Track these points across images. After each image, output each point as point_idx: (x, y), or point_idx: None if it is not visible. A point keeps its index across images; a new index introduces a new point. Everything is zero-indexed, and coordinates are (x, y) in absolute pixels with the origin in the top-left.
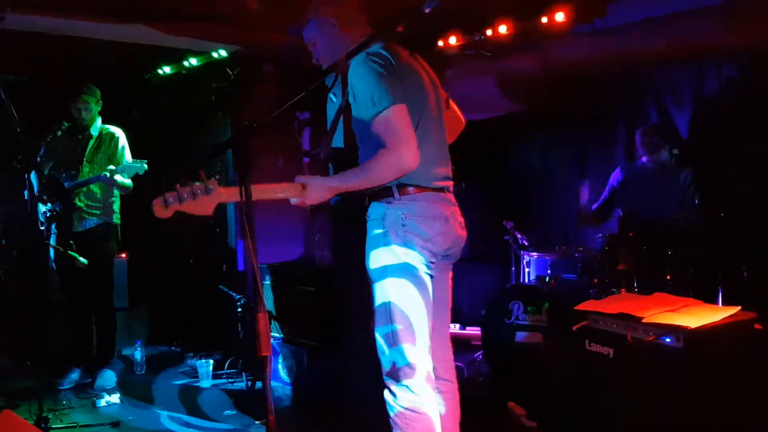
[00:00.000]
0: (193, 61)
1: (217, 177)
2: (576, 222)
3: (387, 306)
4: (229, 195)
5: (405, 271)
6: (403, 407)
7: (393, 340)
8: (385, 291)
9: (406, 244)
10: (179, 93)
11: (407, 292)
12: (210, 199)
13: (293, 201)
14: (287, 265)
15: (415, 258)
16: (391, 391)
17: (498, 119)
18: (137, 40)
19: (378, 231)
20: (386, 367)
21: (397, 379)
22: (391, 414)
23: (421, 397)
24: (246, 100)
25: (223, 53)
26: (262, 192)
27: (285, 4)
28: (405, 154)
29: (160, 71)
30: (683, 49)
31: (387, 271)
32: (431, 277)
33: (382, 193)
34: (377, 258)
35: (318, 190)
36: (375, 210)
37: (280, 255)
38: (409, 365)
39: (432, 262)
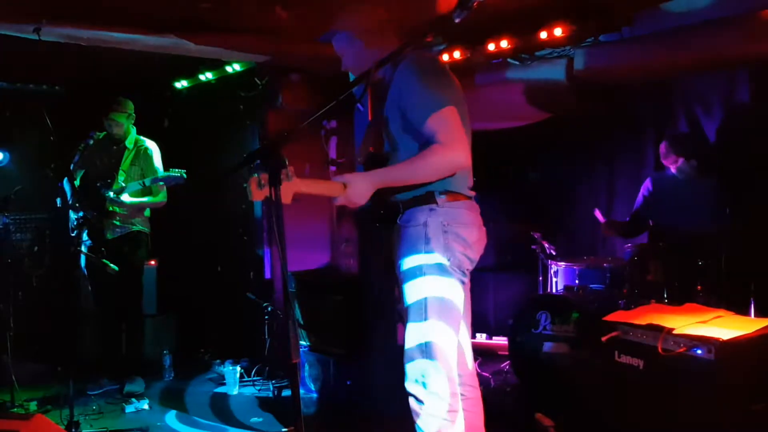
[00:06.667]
0: (222, 71)
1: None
2: (602, 234)
3: (423, 305)
4: (306, 185)
5: (444, 276)
6: (432, 414)
7: (426, 347)
8: (422, 294)
9: (447, 250)
10: (209, 103)
11: (445, 298)
12: (290, 186)
13: (337, 201)
14: (313, 273)
15: (455, 263)
16: (418, 399)
17: (525, 128)
18: (169, 51)
19: (418, 237)
20: (413, 374)
21: (425, 386)
22: (419, 422)
23: (448, 403)
24: (274, 110)
25: (249, 63)
26: (305, 185)
27: (314, 14)
28: (459, 151)
29: (189, 82)
30: (713, 58)
31: (427, 277)
32: (463, 284)
33: (423, 199)
34: (416, 263)
35: (361, 186)
36: (414, 217)
37: (305, 263)
38: (438, 372)
39: (468, 269)
